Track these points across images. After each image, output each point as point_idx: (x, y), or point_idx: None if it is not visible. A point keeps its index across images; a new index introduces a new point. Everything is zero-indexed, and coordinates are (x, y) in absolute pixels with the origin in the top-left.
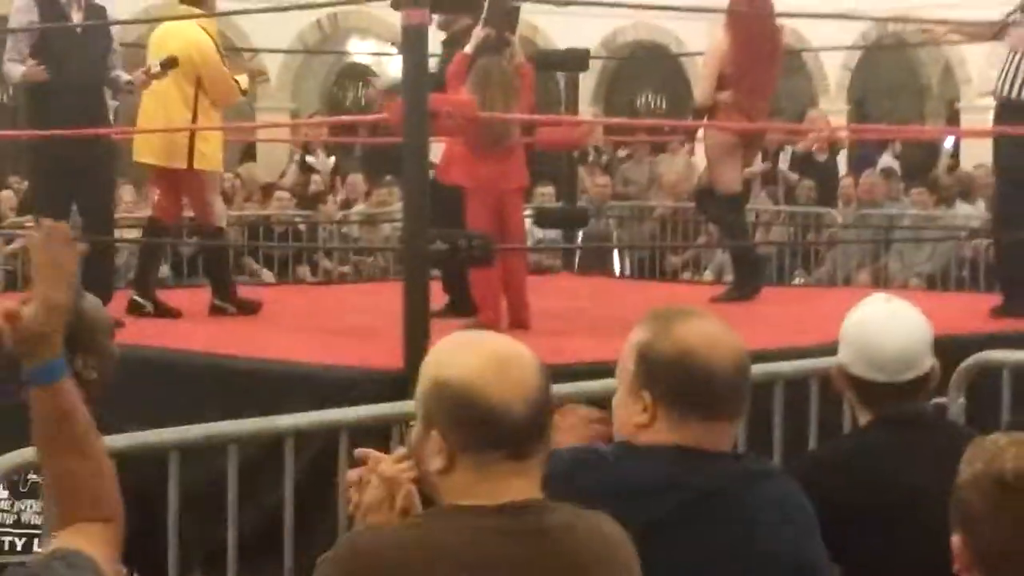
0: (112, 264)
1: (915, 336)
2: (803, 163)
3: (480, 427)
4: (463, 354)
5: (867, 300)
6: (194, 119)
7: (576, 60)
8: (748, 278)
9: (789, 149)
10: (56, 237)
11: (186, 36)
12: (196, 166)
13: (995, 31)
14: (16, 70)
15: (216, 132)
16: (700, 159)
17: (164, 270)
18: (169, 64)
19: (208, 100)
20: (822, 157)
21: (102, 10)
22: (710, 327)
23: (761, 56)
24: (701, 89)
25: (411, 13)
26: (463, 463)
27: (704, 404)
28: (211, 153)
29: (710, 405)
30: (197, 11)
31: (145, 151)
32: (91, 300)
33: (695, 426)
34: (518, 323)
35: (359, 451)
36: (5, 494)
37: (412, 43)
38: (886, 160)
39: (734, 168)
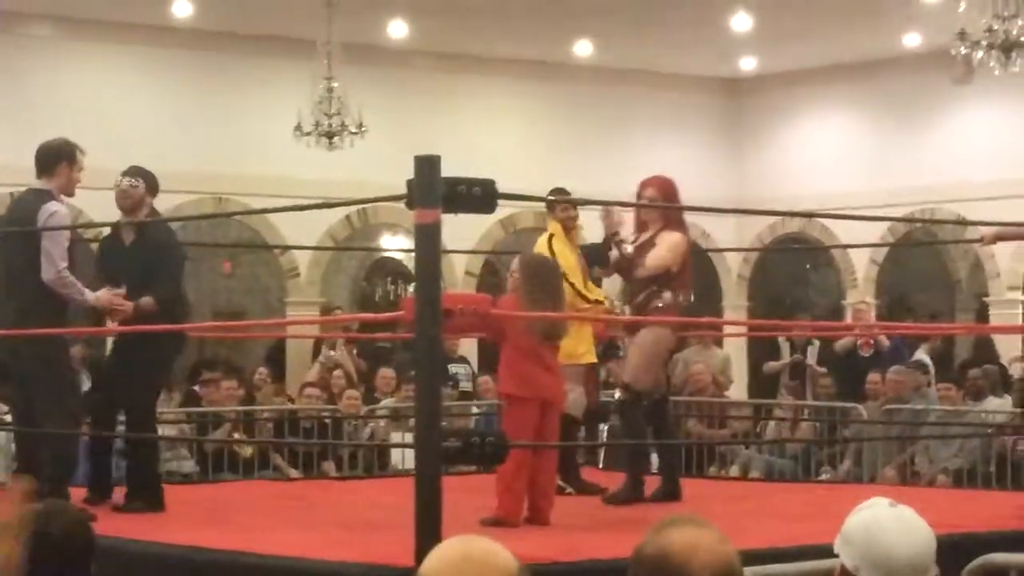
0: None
1: (926, 543)
2: (829, 358)
3: None
4: (438, 550)
5: (869, 503)
6: None
7: (597, 255)
8: (640, 477)
9: (816, 343)
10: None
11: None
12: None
13: None
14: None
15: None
16: (733, 352)
17: None
18: None
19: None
20: (867, 353)
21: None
22: (697, 536)
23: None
24: (655, 266)
25: (423, 211)
26: None
27: None
28: (569, 348)
29: None
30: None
31: None
32: (62, 520)
33: None
34: (538, 520)
35: None
36: None
37: (424, 241)
38: (919, 355)
39: (662, 367)
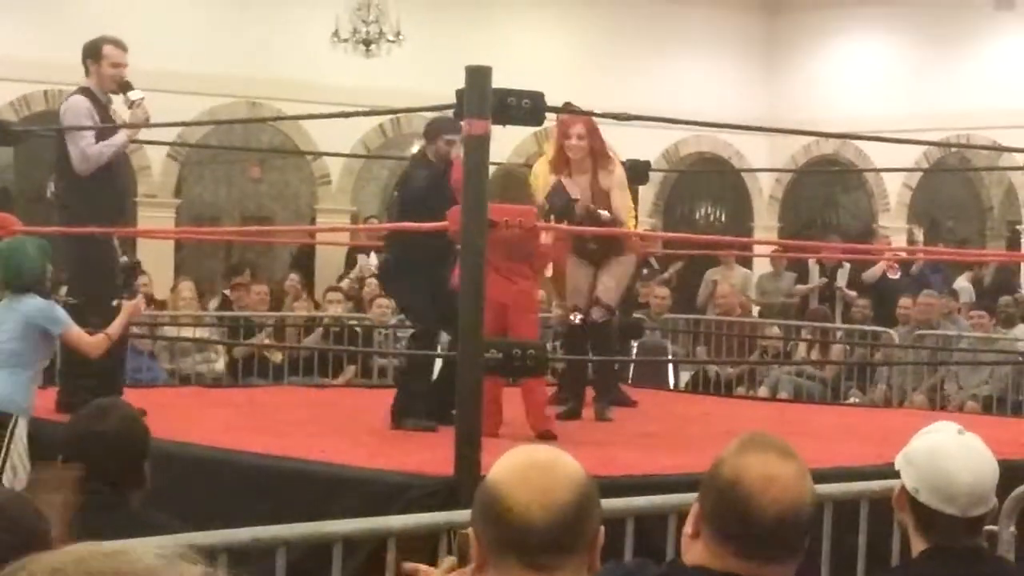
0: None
1: (989, 474)
2: (860, 281)
3: (497, 528)
4: (505, 458)
5: (936, 427)
6: None
7: (637, 172)
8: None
9: (847, 266)
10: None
11: None
12: None
13: None
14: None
15: None
16: (756, 272)
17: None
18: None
19: None
20: (894, 276)
21: None
22: (777, 467)
23: None
24: (629, 215)
25: (473, 123)
26: (491, 566)
27: (738, 538)
28: None
29: (744, 542)
30: None
31: None
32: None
33: (729, 558)
34: (543, 436)
35: (407, 566)
36: None
37: (473, 152)
38: (961, 282)
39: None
